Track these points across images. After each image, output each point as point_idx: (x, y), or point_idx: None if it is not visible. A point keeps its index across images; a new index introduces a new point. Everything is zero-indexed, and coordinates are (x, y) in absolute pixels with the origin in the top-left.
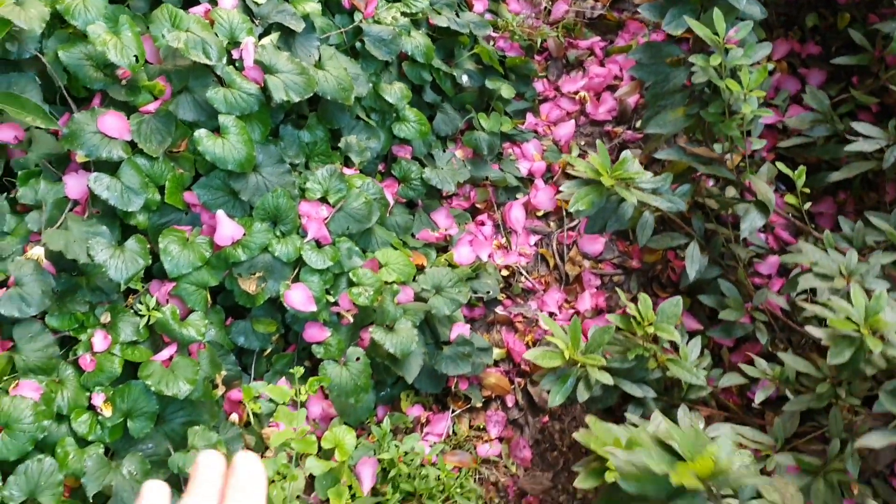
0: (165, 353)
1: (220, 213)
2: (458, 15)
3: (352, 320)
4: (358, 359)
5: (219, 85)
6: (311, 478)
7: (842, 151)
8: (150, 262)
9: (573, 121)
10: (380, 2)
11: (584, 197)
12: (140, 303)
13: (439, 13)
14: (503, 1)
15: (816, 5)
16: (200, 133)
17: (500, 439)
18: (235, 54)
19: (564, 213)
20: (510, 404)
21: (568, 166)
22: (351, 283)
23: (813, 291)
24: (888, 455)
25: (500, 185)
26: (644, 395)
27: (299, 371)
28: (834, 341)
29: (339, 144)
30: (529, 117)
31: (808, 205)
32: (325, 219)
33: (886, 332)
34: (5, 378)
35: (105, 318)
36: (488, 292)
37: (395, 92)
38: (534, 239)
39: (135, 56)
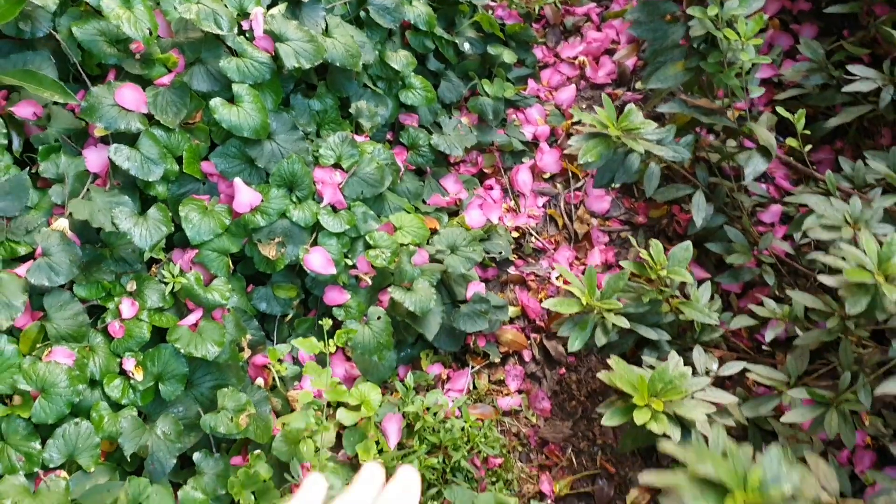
0: (192, 318)
1: (238, 180)
2: None
3: (370, 282)
4: (379, 317)
5: (231, 55)
6: (339, 437)
7: (838, 98)
8: (173, 229)
9: (574, 85)
10: None
11: (593, 149)
12: (164, 271)
13: None
14: None
15: None
16: (216, 102)
17: (520, 392)
18: (245, 25)
19: (570, 175)
20: (527, 359)
21: (573, 128)
22: (368, 246)
23: (818, 242)
24: None
25: (506, 149)
26: (659, 338)
27: (328, 323)
28: (849, 291)
29: (350, 110)
30: (531, 83)
31: (807, 147)
32: (340, 184)
33: None
34: (38, 346)
35: (131, 286)
36: (500, 253)
37: (400, 59)
38: (541, 200)
39: (148, 29)
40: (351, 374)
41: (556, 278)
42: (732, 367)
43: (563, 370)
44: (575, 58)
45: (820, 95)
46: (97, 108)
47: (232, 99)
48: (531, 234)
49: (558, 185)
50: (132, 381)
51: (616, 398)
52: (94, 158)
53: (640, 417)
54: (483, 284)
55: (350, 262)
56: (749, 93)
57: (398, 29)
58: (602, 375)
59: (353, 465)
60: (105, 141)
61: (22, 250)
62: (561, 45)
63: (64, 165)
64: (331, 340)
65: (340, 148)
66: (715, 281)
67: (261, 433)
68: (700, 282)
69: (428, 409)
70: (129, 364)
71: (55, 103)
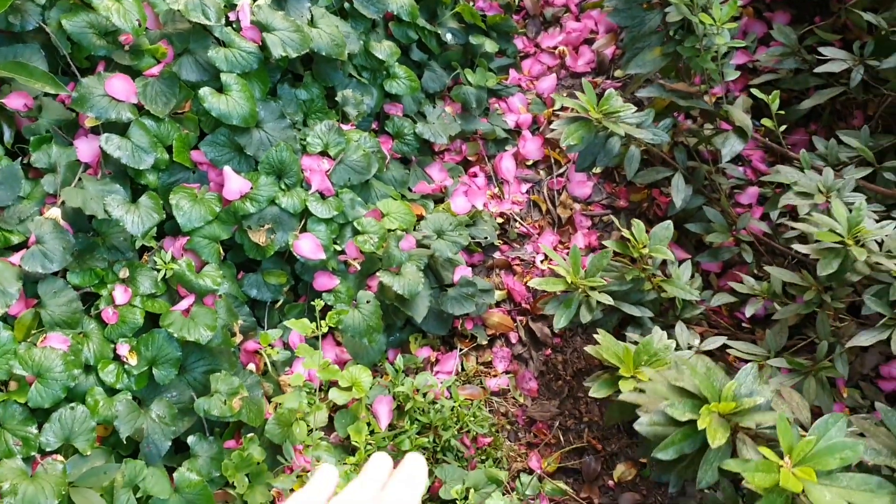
0: (184, 304)
1: (227, 168)
2: None
3: (359, 268)
4: (368, 301)
5: (219, 45)
6: (331, 420)
7: (811, 81)
8: (164, 217)
9: (554, 74)
10: None
11: (575, 132)
12: (156, 258)
13: None
14: None
15: None
16: (205, 91)
17: (507, 373)
18: (232, 16)
19: (553, 161)
20: (514, 341)
21: (554, 115)
22: (356, 232)
23: (793, 216)
24: (874, 359)
25: (489, 137)
26: (642, 315)
27: (319, 304)
28: (821, 254)
29: (336, 99)
30: (512, 73)
31: (782, 128)
32: (327, 171)
33: (868, 240)
34: (33, 332)
35: (123, 273)
36: (486, 238)
37: (384, 49)
38: (525, 187)
39: (137, 20)
40: (341, 359)
41: (541, 262)
42: (713, 343)
43: (549, 351)
44: (555, 48)
45: (793, 79)
46: (88, 99)
47: (220, 88)
48: (515, 220)
49: (541, 172)
50: (126, 366)
51: (602, 372)
52: (85, 148)
53: (626, 387)
54: (469, 269)
55: (339, 248)
56: (725, 76)
57: (382, 20)
58: (589, 349)
59: (345, 447)
60: (96, 131)
61: (15, 239)
62: (541, 35)
63: (55, 155)
64: (322, 322)
65: (327, 136)
66: (695, 261)
67: (254, 416)
68: (681, 262)
69: (418, 390)
70: (123, 349)
71: (46, 95)
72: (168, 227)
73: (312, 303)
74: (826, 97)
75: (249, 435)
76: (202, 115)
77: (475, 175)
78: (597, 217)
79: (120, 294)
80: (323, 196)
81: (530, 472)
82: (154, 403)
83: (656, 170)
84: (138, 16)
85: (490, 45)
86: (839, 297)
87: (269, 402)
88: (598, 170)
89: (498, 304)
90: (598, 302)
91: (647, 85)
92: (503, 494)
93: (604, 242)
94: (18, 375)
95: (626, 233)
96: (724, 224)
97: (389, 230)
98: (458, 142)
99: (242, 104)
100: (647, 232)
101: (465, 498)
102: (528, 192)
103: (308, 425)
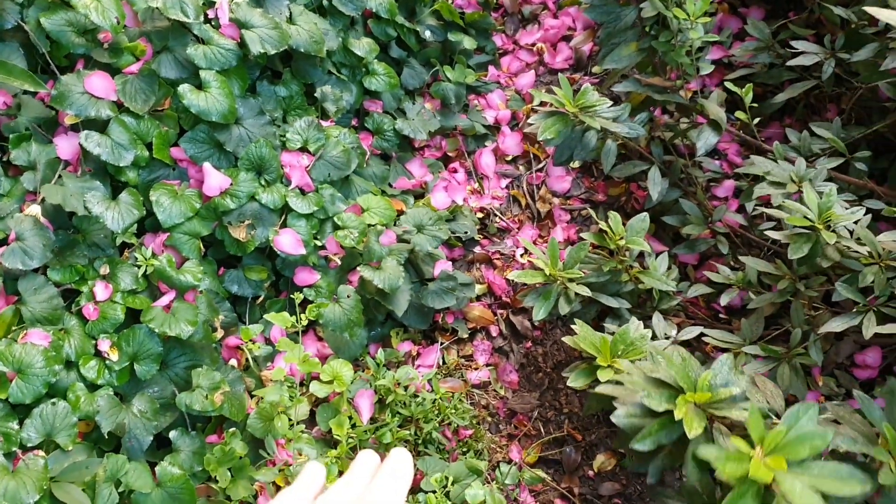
0: (165, 300)
1: (207, 164)
2: None
3: (339, 263)
4: (349, 296)
5: (198, 42)
6: (313, 414)
7: (785, 75)
8: (144, 214)
9: (533, 71)
10: None
11: (551, 126)
12: (136, 254)
13: None
14: None
15: None
16: (184, 88)
17: (488, 366)
18: (211, 13)
19: (532, 157)
20: (495, 334)
21: (532, 112)
22: (336, 227)
23: (767, 205)
24: (848, 347)
25: (468, 133)
26: (620, 306)
27: (299, 297)
28: (792, 239)
29: (316, 95)
30: (491, 70)
31: (756, 120)
32: (307, 167)
33: (838, 225)
34: (14, 329)
35: (104, 269)
36: (466, 233)
37: (363, 46)
38: (505, 182)
39: (116, 18)
40: (323, 353)
41: (521, 256)
42: (690, 332)
43: (529, 344)
44: (533, 44)
45: (767, 73)
46: (67, 96)
47: (200, 85)
48: (495, 215)
49: (520, 167)
50: (108, 362)
51: (580, 363)
52: (64, 146)
53: (603, 376)
54: (450, 263)
55: (319, 243)
56: (700, 71)
57: (360, 17)
58: (567, 339)
59: (327, 441)
60: (75, 129)
61: None
62: (519, 32)
63: (35, 153)
64: (302, 315)
65: (307, 132)
66: (672, 253)
67: (235, 411)
68: (658, 254)
69: (399, 383)
70: (105, 345)
71: (25, 92)
72: (148, 224)
73: (292, 296)
74: (799, 91)
75: (231, 429)
76: (182, 112)
77: (455, 170)
78: (576, 211)
79: (101, 290)
80: (303, 192)
81: (511, 463)
82: (136, 399)
83: (633, 163)
84: (117, 14)
85: (469, 42)
86: (813, 286)
87: (251, 396)
88: (576, 164)
89: (479, 298)
90: (577, 294)
91: (623, 80)
92: (483, 484)
93: (582, 235)
94: None
95: (603, 225)
96: (700, 216)
97: (370, 225)
98: (437, 138)
99: (222, 101)
100: (625, 224)
101: (445, 488)
102: (507, 187)
103: (290, 419)
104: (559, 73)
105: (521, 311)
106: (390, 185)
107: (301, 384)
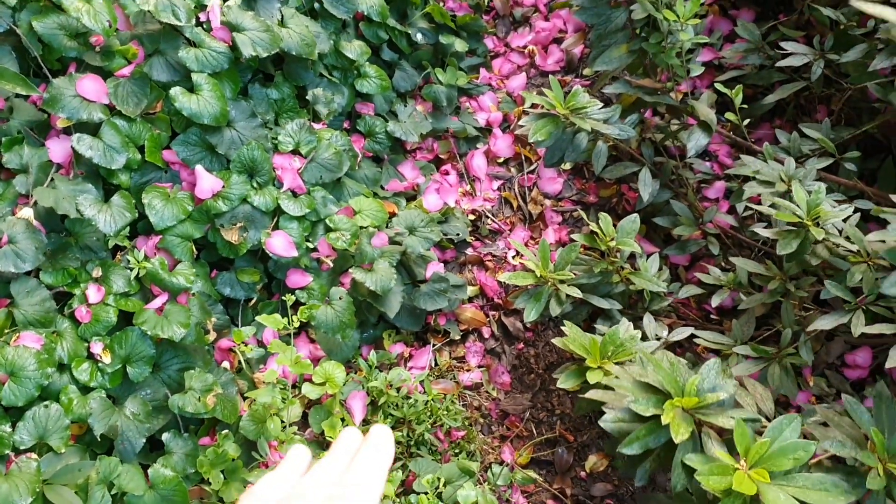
0: (157, 302)
1: (199, 167)
2: None
3: (331, 265)
4: (341, 298)
5: (189, 45)
6: (305, 416)
7: (775, 76)
8: (137, 216)
9: (524, 73)
10: None
11: (542, 128)
12: (129, 257)
13: None
14: None
15: None
16: (176, 91)
17: (480, 367)
18: (202, 16)
19: (523, 159)
20: (487, 335)
21: (523, 114)
22: (328, 229)
23: (758, 205)
24: (839, 347)
25: (460, 135)
26: (611, 307)
27: (291, 299)
28: (781, 235)
29: (307, 97)
30: (483, 72)
31: (746, 122)
32: (299, 169)
33: (827, 222)
34: (6, 332)
35: (96, 272)
36: (458, 235)
37: (355, 49)
38: (496, 184)
39: (108, 21)
40: (315, 355)
41: (513, 257)
42: (681, 333)
43: (521, 345)
44: (524, 47)
45: (757, 75)
46: (59, 100)
47: (191, 88)
48: (487, 217)
49: (512, 169)
50: (100, 365)
51: (571, 364)
52: (57, 149)
53: (592, 378)
54: (442, 265)
55: (311, 246)
56: (690, 73)
57: (352, 20)
58: (556, 341)
59: (320, 443)
60: (67, 132)
61: None
62: (511, 34)
63: (27, 156)
64: (294, 317)
65: (299, 135)
66: (663, 254)
67: (228, 413)
68: (649, 255)
69: (391, 385)
70: (97, 348)
71: (17, 96)
72: (141, 227)
73: (284, 298)
74: (789, 92)
75: (224, 431)
76: (173, 115)
77: (447, 173)
78: (567, 213)
79: (93, 293)
80: (295, 194)
81: (503, 464)
82: (128, 401)
83: (624, 165)
84: (109, 17)
85: (460, 45)
86: (803, 286)
87: (244, 398)
88: (567, 166)
89: (470, 300)
90: (568, 295)
91: (613, 82)
92: (475, 485)
93: (573, 236)
94: None
95: (594, 226)
96: (691, 218)
97: (362, 227)
98: (429, 140)
99: (213, 103)
100: (616, 226)
101: (437, 489)
102: (499, 188)
103: (282, 421)
104: (550, 75)
105: (513, 312)
106: (382, 188)
107: (293, 386)
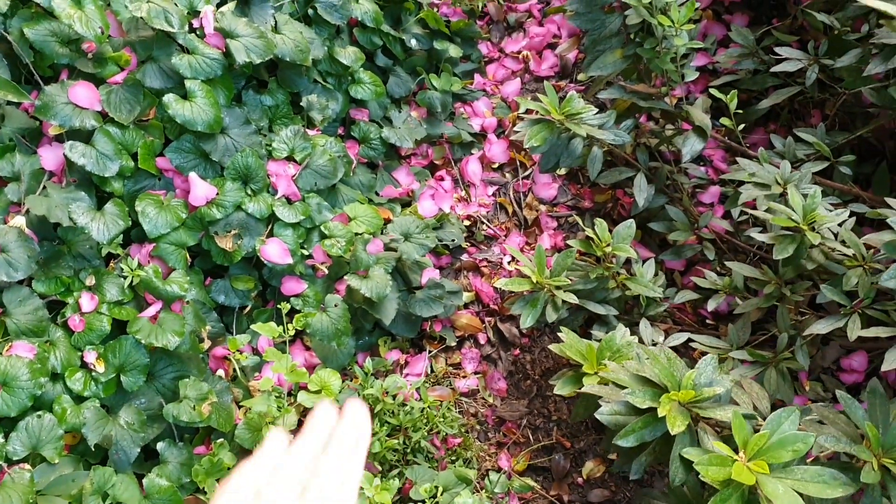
0: (151, 311)
1: (193, 174)
2: None
3: (326, 272)
4: (336, 305)
5: (182, 52)
6: (300, 423)
7: (769, 81)
8: (130, 224)
9: (518, 79)
10: None
11: (537, 134)
12: (122, 265)
13: None
14: None
15: None
16: (169, 97)
17: (476, 373)
18: (196, 23)
19: (518, 164)
20: (483, 342)
21: (518, 119)
22: (323, 236)
23: (753, 210)
24: (834, 352)
25: (455, 141)
26: (607, 313)
27: (286, 307)
28: (777, 240)
29: (301, 103)
30: (477, 78)
31: (741, 126)
32: (293, 176)
33: (822, 226)
34: None
35: (90, 280)
36: (453, 240)
37: (349, 55)
38: (491, 189)
39: (100, 28)
40: (311, 363)
41: (509, 263)
42: (678, 339)
43: (517, 351)
44: (519, 52)
45: (752, 80)
46: (51, 107)
47: (185, 95)
48: (482, 222)
49: (507, 175)
50: (94, 374)
51: (567, 370)
52: (49, 156)
53: (589, 384)
54: (437, 271)
55: (306, 253)
56: (684, 77)
57: (346, 26)
58: (553, 347)
59: None
60: (60, 139)
61: None
62: (505, 40)
63: (19, 164)
64: (290, 325)
65: (293, 141)
66: (659, 259)
67: (223, 422)
68: (645, 260)
69: (387, 392)
70: (91, 357)
71: (9, 103)
72: (134, 235)
73: (278, 306)
74: (784, 96)
75: (219, 440)
76: (167, 122)
77: (442, 178)
78: (562, 218)
79: (86, 301)
80: (289, 201)
81: (500, 471)
82: (122, 410)
83: (619, 170)
84: (101, 23)
85: (454, 51)
86: (799, 290)
87: (239, 407)
88: (562, 171)
89: (466, 306)
90: (564, 301)
91: (608, 87)
92: (473, 493)
93: (568, 242)
94: None
95: (590, 232)
96: (686, 223)
97: (357, 234)
98: (424, 146)
99: (207, 110)
100: (611, 231)
101: (434, 497)
102: (494, 194)
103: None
104: (545, 81)
105: (509, 318)
106: (377, 194)
107: (289, 394)
